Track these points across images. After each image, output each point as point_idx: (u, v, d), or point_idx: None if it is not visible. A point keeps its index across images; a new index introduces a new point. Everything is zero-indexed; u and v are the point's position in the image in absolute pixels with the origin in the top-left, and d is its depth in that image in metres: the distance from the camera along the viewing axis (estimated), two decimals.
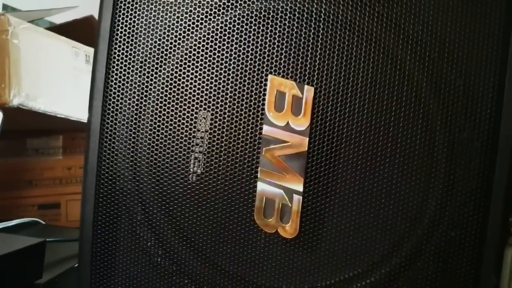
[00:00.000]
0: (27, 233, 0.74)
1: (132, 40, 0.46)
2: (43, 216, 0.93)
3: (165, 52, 0.46)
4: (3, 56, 0.78)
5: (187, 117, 0.46)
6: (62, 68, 0.89)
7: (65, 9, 1.11)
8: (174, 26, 0.45)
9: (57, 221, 0.97)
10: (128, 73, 0.46)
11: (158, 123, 0.46)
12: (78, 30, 1.06)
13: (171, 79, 0.46)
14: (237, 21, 0.45)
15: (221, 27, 0.45)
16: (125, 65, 0.46)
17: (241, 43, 0.45)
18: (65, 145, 1.01)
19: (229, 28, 0.45)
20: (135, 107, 0.46)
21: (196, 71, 0.45)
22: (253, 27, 0.45)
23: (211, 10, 0.45)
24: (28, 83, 0.79)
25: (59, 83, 0.87)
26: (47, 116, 0.83)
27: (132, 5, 0.46)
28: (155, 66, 0.46)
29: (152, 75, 0.46)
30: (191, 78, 0.45)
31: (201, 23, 0.45)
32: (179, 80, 0.46)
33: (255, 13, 0.44)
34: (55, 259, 0.62)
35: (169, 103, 0.46)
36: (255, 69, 0.45)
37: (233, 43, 0.45)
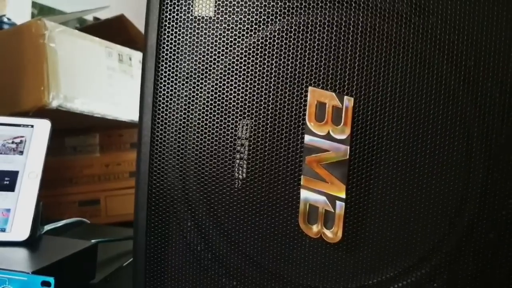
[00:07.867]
0: (75, 233, 0.77)
1: (177, 57, 0.48)
2: (83, 212, 0.96)
3: (208, 67, 0.48)
4: (41, 59, 0.80)
5: (231, 127, 0.48)
6: (96, 68, 0.91)
7: (97, 10, 1.14)
8: (216, 42, 0.47)
9: (98, 217, 1.00)
10: (174, 87, 0.48)
11: (203, 133, 0.48)
12: (110, 29, 1.09)
13: (214, 92, 0.48)
14: (276, 36, 0.46)
15: (262, 42, 0.46)
16: (171, 80, 0.48)
17: (281, 57, 0.46)
18: (101, 143, 1.04)
19: (269, 42, 0.46)
20: (182, 119, 0.48)
21: (238, 84, 0.47)
22: (292, 41, 0.46)
23: (251, 26, 0.47)
24: (65, 85, 0.82)
25: (94, 83, 0.89)
26: (84, 116, 0.85)
27: (176, 23, 0.47)
28: (199, 80, 0.48)
29: (196, 88, 0.48)
30: (234, 91, 0.47)
31: (242, 38, 0.47)
32: (222, 92, 0.48)
33: (293, 27, 0.46)
34: (103, 258, 0.66)
35: (212, 114, 0.48)
36: (296, 81, 0.46)
37: (273, 56, 0.46)
